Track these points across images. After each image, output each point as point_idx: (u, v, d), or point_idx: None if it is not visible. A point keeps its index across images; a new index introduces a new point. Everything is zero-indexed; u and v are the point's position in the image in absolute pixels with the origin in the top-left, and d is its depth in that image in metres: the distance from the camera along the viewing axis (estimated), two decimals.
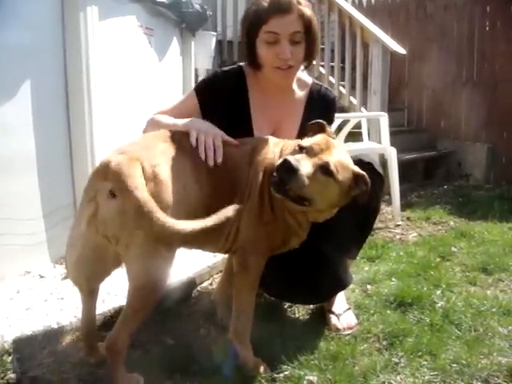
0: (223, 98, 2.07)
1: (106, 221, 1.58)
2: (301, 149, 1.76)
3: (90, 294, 1.89)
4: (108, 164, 1.59)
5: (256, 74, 2.13)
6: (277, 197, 1.76)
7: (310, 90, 2.20)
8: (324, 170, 1.71)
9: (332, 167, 1.72)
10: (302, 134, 1.98)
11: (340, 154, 1.80)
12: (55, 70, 2.87)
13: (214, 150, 1.81)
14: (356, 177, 1.80)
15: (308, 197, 1.72)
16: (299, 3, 1.97)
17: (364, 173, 1.81)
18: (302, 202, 1.74)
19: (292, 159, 1.67)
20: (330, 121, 2.17)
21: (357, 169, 1.82)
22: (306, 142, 1.80)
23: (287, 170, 1.66)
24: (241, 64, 2.18)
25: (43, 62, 2.81)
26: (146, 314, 1.70)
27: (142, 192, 1.53)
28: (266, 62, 2.02)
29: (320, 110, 2.13)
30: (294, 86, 2.18)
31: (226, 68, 2.18)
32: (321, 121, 1.90)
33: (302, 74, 2.24)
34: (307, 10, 1.99)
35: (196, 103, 2.09)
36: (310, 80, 2.25)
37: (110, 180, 1.57)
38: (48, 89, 2.84)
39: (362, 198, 1.84)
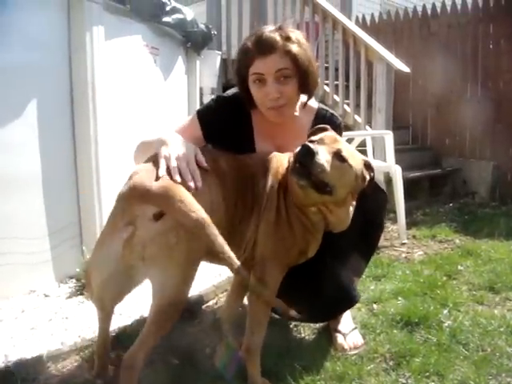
0: (226, 125, 2.06)
1: (145, 243, 1.58)
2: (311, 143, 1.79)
3: (108, 315, 1.90)
4: (148, 188, 1.62)
5: None
6: (300, 186, 1.75)
7: (315, 116, 2.17)
8: (338, 156, 1.76)
9: (345, 153, 1.77)
10: None
11: (347, 145, 1.87)
12: (61, 89, 2.90)
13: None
14: (365, 164, 1.88)
15: (329, 182, 1.74)
16: (287, 39, 1.94)
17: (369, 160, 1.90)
18: (324, 188, 1.75)
19: (310, 144, 1.71)
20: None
21: (363, 156, 1.91)
22: (315, 137, 1.84)
23: (307, 154, 1.69)
24: None
25: (49, 81, 2.84)
26: (167, 332, 1.71)
27: (202, 213, 1.57)
28: (258, 102, 2.01)
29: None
30: (300, 112, 2.16)
31: (229, 93, 2.14)
32: (324, 125, 1.94)
33: (310, 101, 2.19)
34: (293, 47, 1.93)
35: (199, 130, 2.07)
36: (315, 105, 2.22)
37: (153, 203, 1.60)
38: (54, 108, 2.86)
39: (369, 187, 1.90)
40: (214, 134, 2.06)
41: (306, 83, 2.02)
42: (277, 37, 1.93)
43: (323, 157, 1.71)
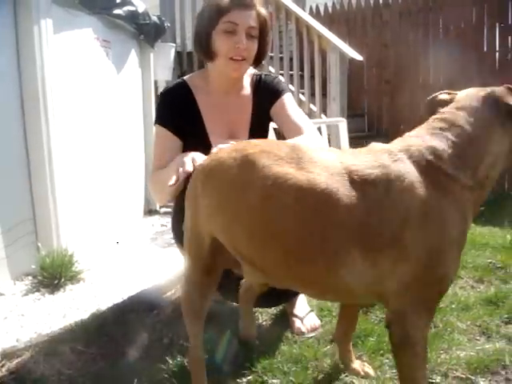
0: (177, 113, 2.09)
1: None
2: None
3: None
4: None
5: (200, 80, 2.17)
6: None
7: (253, 83, 2.21)
8: None
9: None
10: (254, 124, 2.14)
11: None
12: (10, 84, 2.84)
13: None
14: None
15: None
16: (258, 3, 2.06)
17: None
18: None
19: None
20: (280, 90, 2.18)
21: None
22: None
23: None
24: (183, 77, 2.21)
25: None
26: None
27: None
28: (222, 52, 2.04)
29: (267, 95, 2.17)
30: (243, 83, 2.21)
31: (169, 86, 2.21)
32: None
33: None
34: (264, 11, 2.08)
35: (168, 133, 2.08)
36: (251, 72, 2.26)
37: None
38: (3, 104, 2.80)
39: None
40: (175, 124, 2.09)
41: (262, 50, 2.11)
42: None
43: None
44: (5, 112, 2.82)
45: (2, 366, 1.94)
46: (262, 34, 2.08)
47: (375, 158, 1.40)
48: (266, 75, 2.25)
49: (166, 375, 1.89)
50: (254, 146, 1.54)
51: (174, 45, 5.47)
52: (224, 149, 1.67)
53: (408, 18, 6.46)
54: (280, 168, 1.42)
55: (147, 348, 2.10)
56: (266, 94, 2.17)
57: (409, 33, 6.46)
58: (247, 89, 2.20)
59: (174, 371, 1.92)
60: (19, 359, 1.99)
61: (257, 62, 2.16)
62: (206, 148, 1.90)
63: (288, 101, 2.18)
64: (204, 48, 2.08)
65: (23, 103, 2.89)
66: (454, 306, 2.44)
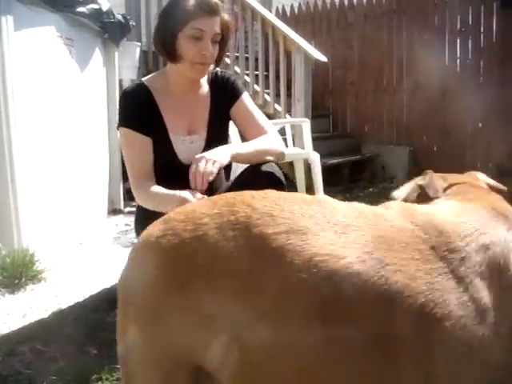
0: (140, 114, 2.09)
1: None
2: None
3: None
4: None
5: (159, 81, 2.18)
6: None
7: (209, 80, 2.25)
8: None
9: None
10: (213, 119, 2.16)
11: None
12: None
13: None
14: None
15: None
16: (222, 9, 2.10)
17: None
18: None
19: None
20: (238, 91, 2.24)
21: None
22: None
23: None
24: (141, 79, 2.23)
25: None
26: None
27: None
28: (187, 57, 2.06)
29: (225, 94, 2.21)
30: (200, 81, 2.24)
31: (128, 88, 2.21)
32: None
33: None
34: (227, 16, 2.12)
35: (138, 135, 2.07)
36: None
37: None
38: None
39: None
40: (142, 124, 2.08)
41: (221, 53, 2.17)
42: (218, 3, 2.09)
43: None
44: None
45: None
46: (223, 38, 2.13)
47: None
48: (221, 72, 2.29)
49: None
50: (251, 200, 1.02)
51: (139, 44, 5.45)
52: (195, 207, 1.07)
53: (372, 21, 6.55)
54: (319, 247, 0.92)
55: (108, 347, 2.11)
56: (223, 92, 2.21)
57: (373, 35, 6.55)
58: (204, 86, 2.23)
59: None
60: None
61: (216, 63, 2.21)
62: (167, 146, 1.97)
63: (247, 101, 2.23)
64: (168, 50, 2.09)
65: None
66: None
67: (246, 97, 2.24)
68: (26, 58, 3.12)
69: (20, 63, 3.02)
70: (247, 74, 5.79)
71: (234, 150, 1.97)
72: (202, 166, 1.79)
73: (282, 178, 2.10)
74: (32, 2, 3.17)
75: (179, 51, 2.06)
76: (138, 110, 2.10)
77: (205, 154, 1.86)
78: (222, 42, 2.14)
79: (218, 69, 2.31)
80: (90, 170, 4.11)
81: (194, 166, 1.81)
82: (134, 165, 2.07)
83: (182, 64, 2.09)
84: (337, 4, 6.88)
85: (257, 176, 1.97)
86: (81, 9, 3.73)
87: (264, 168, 2.01)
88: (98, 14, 4.00)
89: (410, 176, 5.65)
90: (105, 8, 4.09)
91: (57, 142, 3.48)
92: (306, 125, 4.10)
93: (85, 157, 3.97)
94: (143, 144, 2.07)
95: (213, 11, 2.05)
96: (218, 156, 1.86)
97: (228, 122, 2.28)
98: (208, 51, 2.04)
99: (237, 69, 5.77)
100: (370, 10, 6.58)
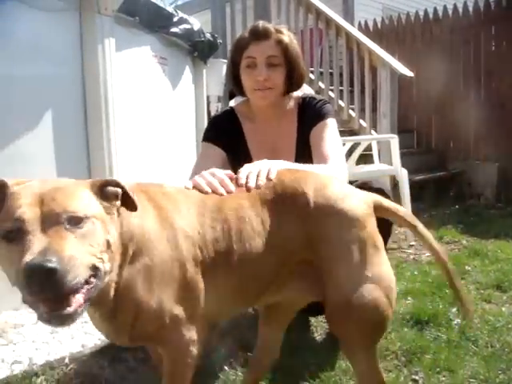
0: (224, 135, 2.15)
1: None
2: None
3: None
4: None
5: (245, 108, 2.23)
6: None
7: (298, 105, 2.22)
8: None
9: None
10: (300, 149, 2.12)
11: None
12: (75, 100, 2.97)
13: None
14: None
15: None
16: (279, 32, 2.10)
17: None
18: None
19: None
20: (321, 116, 2.13)
21: None
22: None
23: None
24: (231, 105, 2.31)
25: (63, 93, 2.91)
26: None
27: None
28: (247, 88, 2.12)
29: (311, 119, 2.14)
30: (287, 105, 2.22)
31: (217, 113, 2.32)
32: None
33: (297, 92, 2.27)
34: (285, 38, 2.10)
35: (214, 146, 2.13)
36: (299, 94, 2.27)
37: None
38: (68, 119, 2.93)
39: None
40: (224, 143, 2.13)
41: (292, 74, 2.13)
42: (271, 27, 2.11)
43: None
44: (70, 127, 2.94)
45: (70, 369, 2.03)
46: (286, 58, 2.09)
47: None
48: (310, 98, 2.23)
49: None
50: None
51: (225, 61, 5.57)
52: None
53: (459, 33, 6.40)
54: None
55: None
56: (310, 118, 2.14)
57: (460, 48, 6.40)
58: (292, 114, 2.21)
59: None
60: (85, 364, 2.08)
61: (293, 86, 2.17)
62: None
63: (327, 126, 2.11)
64: (235, 85, 2.19)
65: (87, 118, 3.01)
66: (510, 326, 2.42)
67: (329, 121, 2.13)
68: (126, 75, 3.28)
69: (120, 80, 3.17)
70: (331, 90, 5.81)
71: (293, 166, 1.78)
72: (262, 168, 1.58)
73: (391, 193, 2.14)
74: (132, 25, 3.33)
75: (243, 83, 2.14)
76: (222, 132, 2.15)
77: (270, 161, 1.67)
78: (288, 61, 2.10)
79: (309, 95, 2.26)
80: (178, 183, 4.21)
81: (253, 165, 1.62)
82: (196, 169, 1.97)
83: (248, 94, 2.16)
84: (421, 17, 6.77)
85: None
86: (174, 29, 3.87)
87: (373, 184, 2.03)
88: (189, 34, 4.14)
89: (497, 193, 5.50)
90: (196, 28, 4.22)
91: (150, 154, 3.62)
92: (395, 141, 4.05)
93: (174, 169, 4.09)
94: (216, 153, 2.09)
95: (260, 36, 2.07)
96: (279, 166, 1.65)
97: None
98: (261, 76, 2.05)
99: (321, 84, 5.80)
100: (457, 22, 6.42)
